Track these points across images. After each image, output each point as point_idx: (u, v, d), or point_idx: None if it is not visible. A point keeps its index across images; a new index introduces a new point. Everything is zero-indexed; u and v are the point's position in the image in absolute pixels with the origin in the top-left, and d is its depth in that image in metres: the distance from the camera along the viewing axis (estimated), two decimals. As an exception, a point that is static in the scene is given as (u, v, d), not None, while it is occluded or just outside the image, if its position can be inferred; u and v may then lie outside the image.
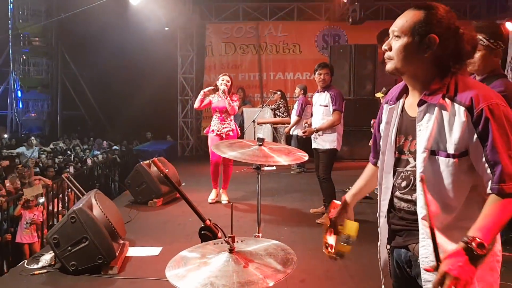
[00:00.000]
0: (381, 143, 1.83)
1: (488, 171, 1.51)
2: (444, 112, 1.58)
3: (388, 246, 1.80)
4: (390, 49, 1.66)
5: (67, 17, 10.29)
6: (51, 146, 11.84)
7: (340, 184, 7.16)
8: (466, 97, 1.54)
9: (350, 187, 7.35)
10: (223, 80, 6.01)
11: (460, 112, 1.54)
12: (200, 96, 6.06)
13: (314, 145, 5.46)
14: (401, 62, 1.64)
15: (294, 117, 8.35)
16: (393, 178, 1.75)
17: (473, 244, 1.39)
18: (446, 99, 1.58)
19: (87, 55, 14.68)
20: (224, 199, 6.24)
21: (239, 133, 6.25)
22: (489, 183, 1.51)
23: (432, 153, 1.60)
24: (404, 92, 1.75)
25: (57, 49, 15.91)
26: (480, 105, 1.51)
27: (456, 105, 1.55)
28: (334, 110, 5.21)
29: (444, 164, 1.58)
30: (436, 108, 1.59)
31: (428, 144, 1.60)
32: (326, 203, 5.45)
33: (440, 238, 1.56)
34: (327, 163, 5.38)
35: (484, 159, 1.51)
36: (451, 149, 1.56)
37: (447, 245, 1.56)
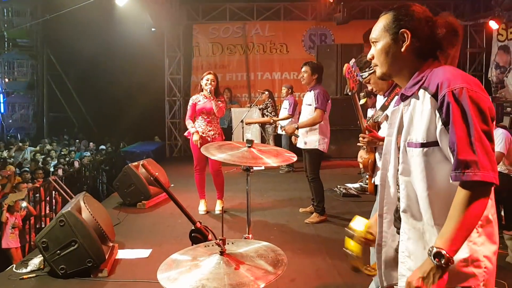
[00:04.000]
0: (384, 144, 1.82)
1: (452, 157, 1.46)
2: (417, 103, 1.58)
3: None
4: (373, 57, 1.71)
5: (52, 18, 10.18)
6: (38, 147, 11.73)
7: (329, 183, 7.22)
8: (434, 84, 1.52)
9: (339, 186, 7.46)
10: (207, 80, 5.58)
11: (427, 100, 1.53)
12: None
13: (298, 144, 5.46)
14: (385, 64, 1.67)
15: (285, 114, 8.33)
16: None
17: (431, 255, 1.42)
18: (421, 90, 1.57)
19: (73, 57, 14.52)
20: (218, 208, 5.82)
21: (224, 137, 5.90)
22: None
23: (408, 144, 1.59)
24: None
25: (43, 51, 15.72)
26: (443, 91, 1.48)
27: (426, 94, 1.54)
28: (315, 108, 5.18)
29: (416, 155, 1.56)
30: (412, 100, 1.61)
31: (405, 135, 1.61)
32: (314, 202, 5.48)
33: (423, 235, 1.58)
34: (312, 163, 5.38)
35: (449, 146, 1.47)
36: (420, 138, 1.54)
37: (430, 243, 1.54)
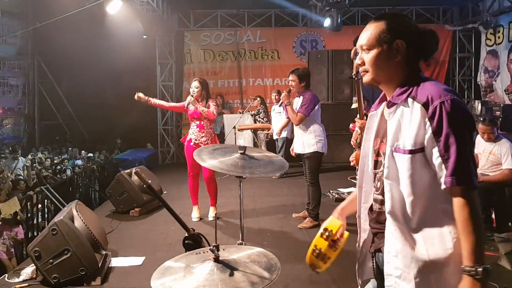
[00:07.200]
0: (362, 147, 1.90)
1: (442, 166, 1.56)
2: (405, 110, 1.65)
3: (373, 249, 1.84)
4: (363, 63, 1.74)
5: (43, 26, 10.16)
6: (29, 156, 11.64)
7: (321, 188, 7.24)
8: (424, 95, 1.60)
9: (331, 191, 7.46)
10: (191, 88, 5.68)
11: (417, 109, 1.60)
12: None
13: (296, 150, 5.49)
14: (376, 71, 1.72)
15: (284, 120, 8.25)
16: (373, 181, 1.82)
17: (477, 272, 1.50)
18: (409, 99, 1.65)
19: (64, 65, 14.47)
20: (211, 215, 5.83)
21: (218, 142, 5.89)
22: (443, 178, 1.56)
23: (394, 150, 1.66)
24: (385, 98, 1.81)
25: (33, 59, 15.64)
26: (435, 102, 1.56)
27: (416, 103, 1.62)
28: (298, 112, 5.23)
29: (402, 160, 1.63)
30: (400, 107, 1.66)
31: (392, 141, 1.67)
32: (310, 206, 5.47)
33: (409, 235, 1.64)
34: (311, 168, 5.38)
35: (438, 154, 1.56)
36: (408, 145, 1.61)
37: (417, 242, 1.63)
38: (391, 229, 1.67)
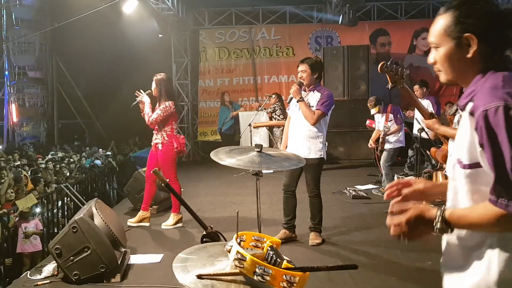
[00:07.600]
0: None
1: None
2: (463, 117, 1.47)
3: None
4: (435, 61, 1.56)
5: (60, 27, 10.32)
6: (49, 156, 11.84)
7: (338, 185, 7.22)
8: (476, 100, 1.40)
9: (348, 188, 7.36)
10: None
11: (467, 118, 1.42)
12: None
13: (298, 153, 4.08)
14: (448, 71, 1.53)
15: None
16: None
17: (439, 213, 1.42)
18: (470, 103, 1.43)
19: (81, 64, 14.70)
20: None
21: (179, 146, 5.74)
22: None
23: (457, 161, 1.48)
24: None
25: (52, 59, 15.90)
26: (478, 110, 1.35)
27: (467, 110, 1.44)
28: (317, 109, 4.52)
29: (461, 176, 1.46)
30: (463, 113, 1.48)
31: (455, 151, 1.51)
32: (314, 221, 4.85)
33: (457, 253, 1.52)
34: (316, 176, 4.77)
35: (489, 171, 1.35)
36: (464, 159, 1.43)
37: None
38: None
